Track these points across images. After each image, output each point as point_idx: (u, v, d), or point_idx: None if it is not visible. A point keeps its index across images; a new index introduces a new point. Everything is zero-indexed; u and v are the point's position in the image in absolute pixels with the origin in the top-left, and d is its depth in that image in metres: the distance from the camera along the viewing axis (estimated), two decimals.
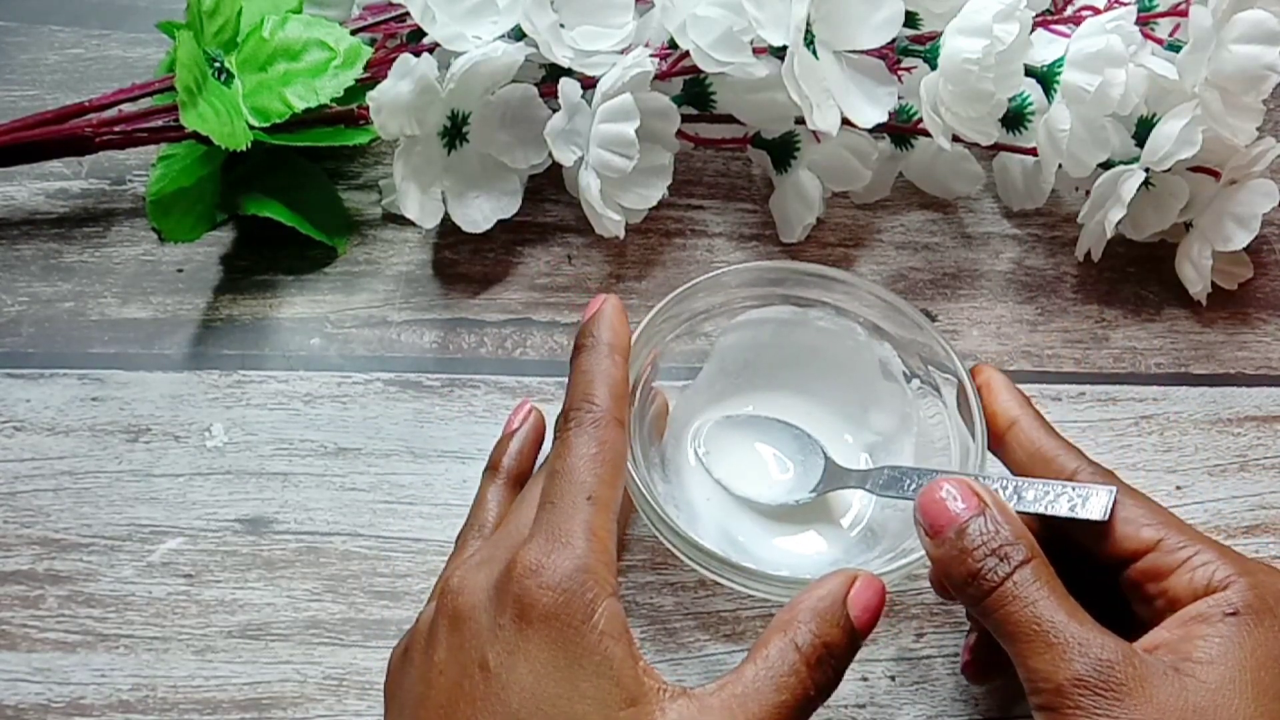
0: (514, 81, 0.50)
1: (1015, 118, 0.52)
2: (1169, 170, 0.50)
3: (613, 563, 0.35)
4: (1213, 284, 0.53)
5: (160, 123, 0.50)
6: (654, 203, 0.51)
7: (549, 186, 0.54)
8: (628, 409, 0.40)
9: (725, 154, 0.57)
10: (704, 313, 0.46)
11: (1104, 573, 0.38)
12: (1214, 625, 0.34)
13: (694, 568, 0.40)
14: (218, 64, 0.50)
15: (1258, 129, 0.49)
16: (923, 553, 0.37)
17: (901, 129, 0.53)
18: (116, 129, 0.50)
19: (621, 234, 0.51)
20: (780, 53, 0.48)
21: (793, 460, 0.45)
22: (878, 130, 0.51)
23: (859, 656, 0.43)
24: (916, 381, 0.45)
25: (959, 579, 0.35)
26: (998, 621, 0.35)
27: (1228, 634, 0.34)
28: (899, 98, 0.51)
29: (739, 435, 0.46)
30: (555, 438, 0.38)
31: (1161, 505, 0.38)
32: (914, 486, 0.41)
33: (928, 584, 0.45)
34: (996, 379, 0.42)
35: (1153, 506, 0.38)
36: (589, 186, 0.49)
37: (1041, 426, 0.41)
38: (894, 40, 0.49)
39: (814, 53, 0.48)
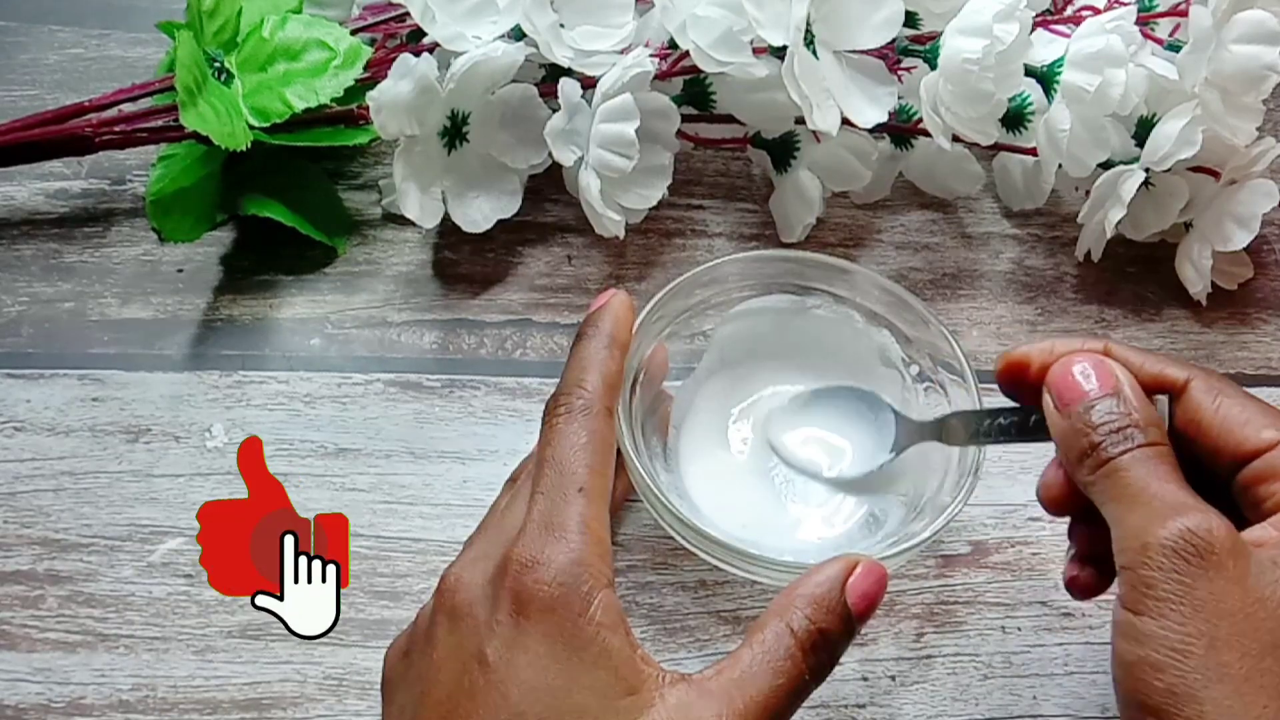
0: (514, 81, 0.50)
1: (1015, 118, 0.52)
2: (1169, 170, 0.50)
3: (607, 553, 0.35)
4: (1213, 284, 0.53)
5: (160, 123, 0.50)
6: (654, 203, 0.51)
7: (549, 186, 0.54)
8: (622, 400, 0.40)
9: (725, 154, 0.57)
10: (702, 303, 0.46)
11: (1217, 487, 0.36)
12: None
13: (695, 552, 0.40)
14: (218, 64, 0.50)
15: (1258, 129, 0.49)
16: (924, 538, 0.37)
17: (901, 129, 0.53)
18: (116, 129, 0.50)
19: (621, 234, 0.51)
20: (780, 53, 0.48)
21: (864, 423, 0.45)
22: (878, 130, 0.51)
23: (859, 656, 0.44)
24: (915, 368, 0.45)
25: (1077, 452, 0.35)
26: (1105, 488, 0.34)
27: None
28: (899, 98, 0.51)
29: (799, 417, 0.46)
30: (544, 423, 0.38)
31: None
32: (989, 426, 0.40)
33: (928, 584, 0.45)
34: (1132, 352, 0.37)
35: (1273, 411, 0.36)
36: (589, 186, 0.49)
37: (1224, 389, 0.36)
38: (894, 40, 0.49)
39: (814, 53, 0.48)
